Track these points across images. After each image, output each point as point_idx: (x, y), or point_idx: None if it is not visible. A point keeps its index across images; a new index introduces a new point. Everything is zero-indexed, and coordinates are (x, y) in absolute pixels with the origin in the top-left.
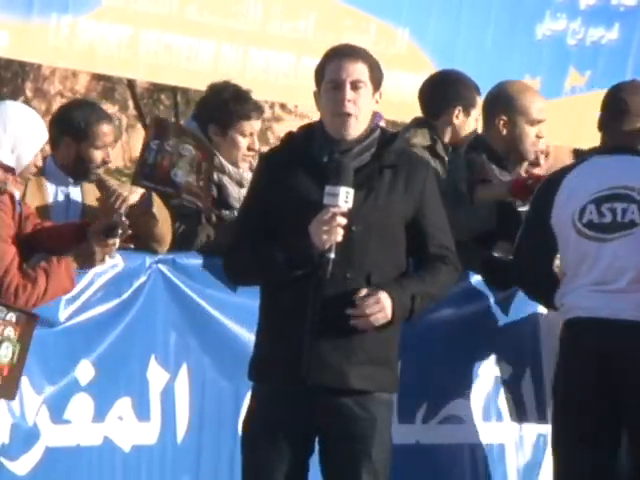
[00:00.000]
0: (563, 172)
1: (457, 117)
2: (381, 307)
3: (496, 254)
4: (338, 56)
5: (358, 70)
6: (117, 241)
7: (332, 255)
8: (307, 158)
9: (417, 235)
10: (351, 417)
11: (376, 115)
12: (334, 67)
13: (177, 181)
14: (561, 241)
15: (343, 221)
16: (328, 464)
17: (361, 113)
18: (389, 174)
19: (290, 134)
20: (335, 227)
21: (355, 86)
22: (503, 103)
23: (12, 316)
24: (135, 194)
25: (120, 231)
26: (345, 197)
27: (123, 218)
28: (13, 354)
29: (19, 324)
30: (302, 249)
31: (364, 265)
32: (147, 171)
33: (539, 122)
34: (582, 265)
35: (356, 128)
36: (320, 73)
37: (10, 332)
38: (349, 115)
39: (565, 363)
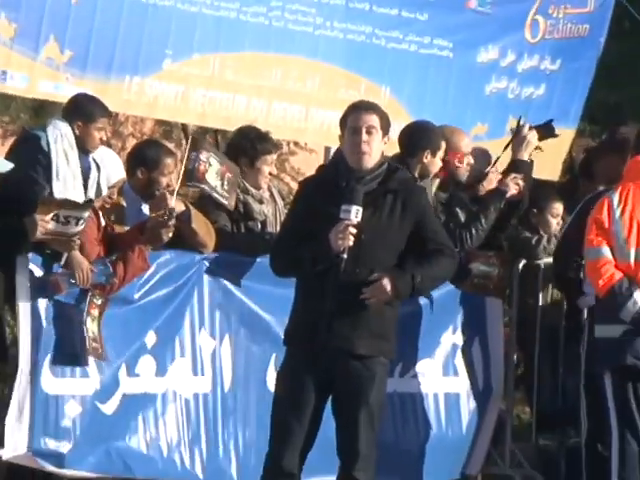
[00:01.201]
0: None
1: (426, 158)
2: (383, 290)
3: None
4: (357, 109)
5: (372, 120)
6: (173, 222)
7: (345, 255)
8: (332, 184)
9: (419, 241)
10: (358, 374)
11: None
12: (354, 117)
13: (210, 183)
14: None
15: (354, 231)
16: (338, 408)
17: (373, 151)
18: (391, 197)
19: (322, 166)
20: (347, 235)
21: (369, 131)
22: (438, 138)
23: (99, 300)
24: (179, 205)
25: (171, 220)
26: (355, 213)
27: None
28: (98, 327)
29: (100, 305)
30: (324, 251)
31: (369, 263)
32: (190, 175)
33: (468, 153)
34: None
35: (369, 162)
36: (344, 121)
37: (95, 312)
38: (364, 153)
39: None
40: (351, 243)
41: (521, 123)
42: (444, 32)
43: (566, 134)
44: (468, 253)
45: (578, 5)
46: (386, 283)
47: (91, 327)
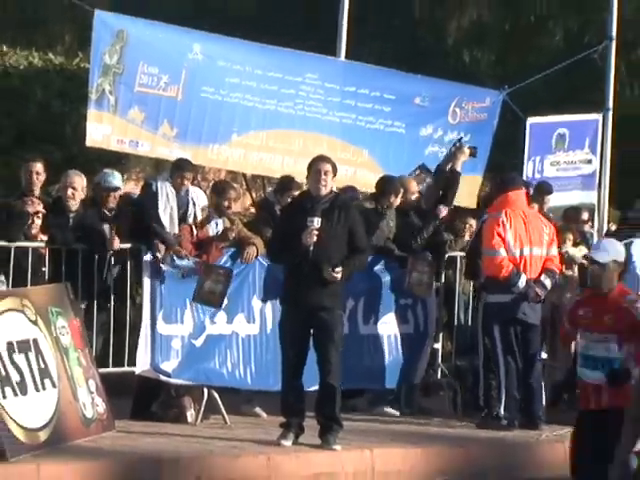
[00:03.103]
0: None
1: (392, 198)
2: (335, 278)
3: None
4: (319, 160)
5: (327, 166)
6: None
7: (311, 248)
8: (302, 206)
9: (351, 240)
10: (326, 320)
11: (352, 189)
12: (317, 164)
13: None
14: None
15: (316, 233)
16: (316, 342)
17: (327, 184)
18: (337, 212)
19: (294, 196)
20: (313, 236)
21: (326, 173)
22: (399, 185)
23: (222, 277)
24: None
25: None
26: (317, 222)
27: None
28: (220, 289)
29: (223, 280)
30: (299, 246)
31: (327, 253)
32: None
33: (415, 192)
34: None
35: (324, 191)
36: (310, 167)
37: (221, 279)
38: (323, 185)
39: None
40: (314, 240)
41: (462, 142)
42: (400, 118)
43: (476, 178)
44: (412, 260)
45: (480, 101)
46: (339, 272)
47: (211, 287)
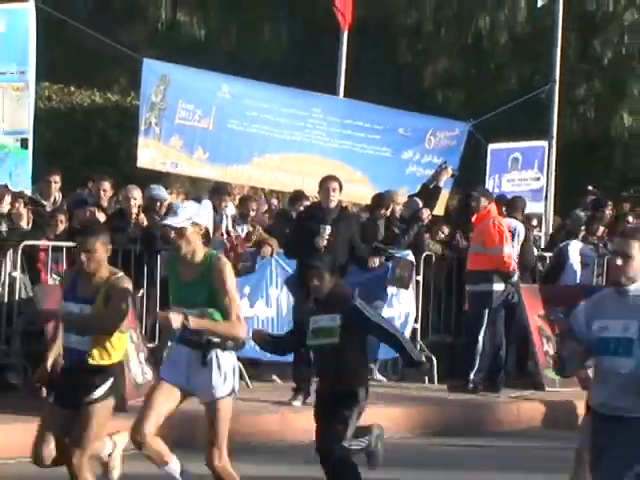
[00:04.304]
0: None
1: (384, 210)
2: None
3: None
4: (328, 179)
5: (335, 184)
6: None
7: (322, 249)
8: (314, 214)
9: (352, 243)
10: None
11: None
12: (327, 182)
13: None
14: None
15: (327, 237)
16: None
17: (336, 199)
18: (342, 221)
19: (307, 206)
20: (324, 240)
21: (334, 189)
22: (390, 199)
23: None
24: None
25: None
26: (328, 230)
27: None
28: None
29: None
30: (311, 246)
31: (335, 252)
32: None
33: (400, 204)
34: None
35: (333, 204)
36: (322, 184)
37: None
38: (332, 200)
39: None
40: (325, 243)
41: (447, 164)
42: (387, 144)
43: (445, 193)
44: (395, 260)
45: (450, 131)
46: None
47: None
